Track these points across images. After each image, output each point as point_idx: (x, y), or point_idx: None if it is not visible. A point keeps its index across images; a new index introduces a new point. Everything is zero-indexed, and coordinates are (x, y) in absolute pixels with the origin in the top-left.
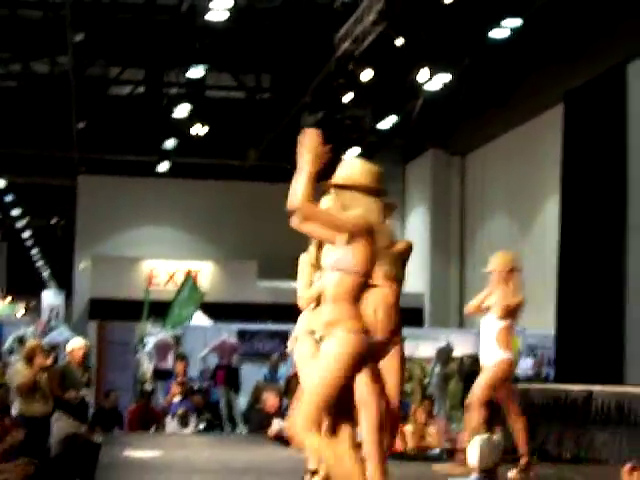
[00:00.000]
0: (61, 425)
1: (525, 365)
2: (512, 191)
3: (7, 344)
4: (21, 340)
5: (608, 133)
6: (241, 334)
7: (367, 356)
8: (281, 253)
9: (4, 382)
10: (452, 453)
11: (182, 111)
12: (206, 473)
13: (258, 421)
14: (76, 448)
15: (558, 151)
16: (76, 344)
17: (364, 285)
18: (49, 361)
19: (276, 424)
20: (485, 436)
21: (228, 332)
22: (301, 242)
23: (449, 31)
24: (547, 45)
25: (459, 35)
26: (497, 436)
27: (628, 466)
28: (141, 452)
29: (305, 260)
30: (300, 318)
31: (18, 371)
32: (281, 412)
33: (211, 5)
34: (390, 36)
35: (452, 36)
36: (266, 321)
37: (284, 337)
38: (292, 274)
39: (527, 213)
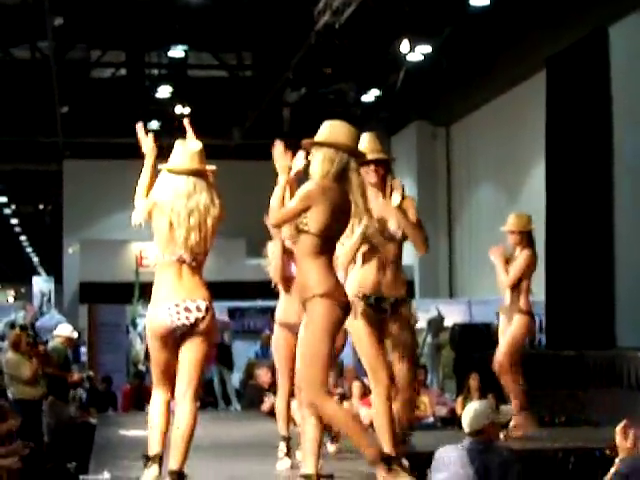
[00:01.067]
0: (56, 410)
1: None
2: (498, 160)
3: None
4: (12, 325)
5: (592, 97)
6: (231, 312)
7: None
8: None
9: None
10: (445, 421)
11: (164, 92)
12: (202, 450)
13: (252, 397)
14: (71, 432)
15: (542, 118)
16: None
17: (328, 245)
18: (41, 348)
19: (269, 399)
20: (479, 400)
21: (218, 310)
22: None
23: (429, 1)
24: (527, 11)
25: (439, 4)
26: (489, 400)
27: (621, 425)
28: (136, 431)
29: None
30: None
31: (19, 362)
32: (274, 388)
33: None
34: (370, 7)
35: (432, 6)
36: (255, 298)
37: (274, 313)
38: None
39: (514, 181)
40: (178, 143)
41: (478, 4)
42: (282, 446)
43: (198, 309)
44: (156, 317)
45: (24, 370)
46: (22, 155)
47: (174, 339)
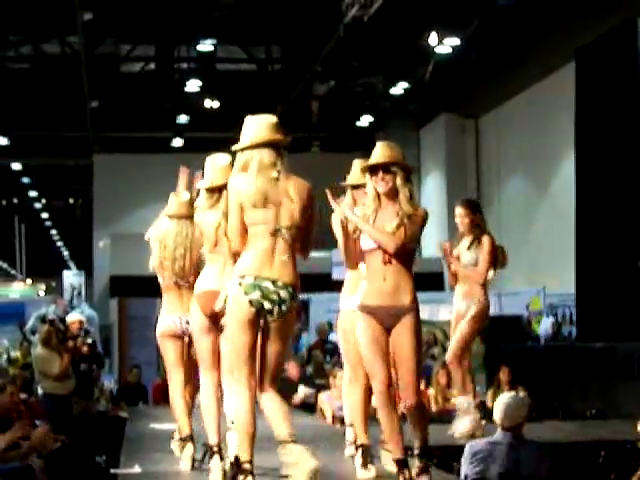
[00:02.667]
0: (80, 407)
1: (547, 324)
2: (527, 152)
3: (30, 323)
4: (43, 319)
5: (621, 88)
6: None
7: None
8: None
9: (29, 362)
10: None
11: (194, 86)
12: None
13: (282, 390)
14: (101, 425)
15: (572, 109)
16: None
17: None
18: (71, 343)
19: (300, 391)
20: (510, 393)
21: None
22: (321, 212)
23: None
24: (556, 2)
25: None
26: (522, 393)
27: None
28: (167, 425)
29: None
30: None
31: (49, 358)
32: (304, 381)
33: None
34: (398, 0)
35: None
36: None
37: (304, 307)
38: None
39: (543, 173)
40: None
41: None
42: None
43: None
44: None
45: (53, 366)
46: (52, 150)
47: None
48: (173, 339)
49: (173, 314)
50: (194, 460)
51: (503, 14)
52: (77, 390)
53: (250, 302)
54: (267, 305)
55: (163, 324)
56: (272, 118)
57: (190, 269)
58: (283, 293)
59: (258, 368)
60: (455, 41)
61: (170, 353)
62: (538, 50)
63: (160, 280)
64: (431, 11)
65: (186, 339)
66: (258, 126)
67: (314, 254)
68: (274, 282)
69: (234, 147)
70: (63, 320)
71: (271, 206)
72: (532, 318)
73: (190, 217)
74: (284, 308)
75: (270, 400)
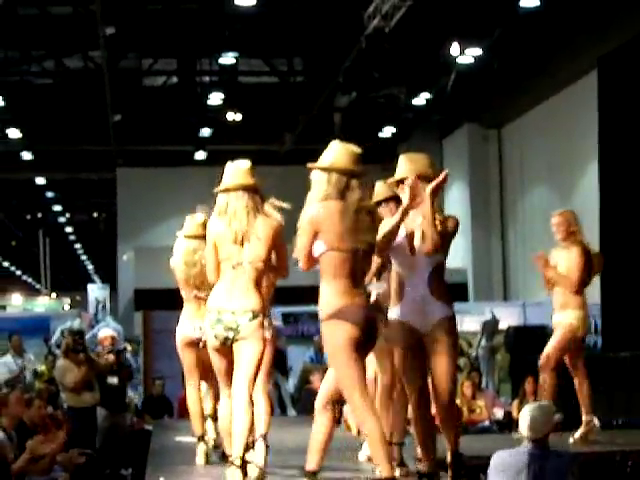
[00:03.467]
0: (104, 418)
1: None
2: (551, 161)
3: (55, 337)
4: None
5: None
6: (285, 317)
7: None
8: None
9: (54, 376)
10: (501, 425)
11: (216, 99)
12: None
13: (307, 403)
14: (126, 438)
15: (595, 118)
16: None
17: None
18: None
19: None
20: (536, 404)
21: (272, 316)
22: None
23: (478, 2)
24: (578, 11)
25: (489, 6)
26: (548, 404)
27: None
28: (192, 438)
29: None
30: None
31: (66, 369)
32: None
33: None
34: (419, 11)
35: (482, 7)
36: (309, 303)
37: None
38: None
39: (567, 182)
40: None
41: (528, 5)
42: None
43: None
44: None
45: (70, 377)
46: (76, 164)
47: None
48: (190, 346)
49: (190, 320)
50: (207, 455)
51: (525, 23)
52: (105, 403)
53: (215, 336)
54: (230, 334)
55: (181, 331)
56: (246, 164)
57: (207, 284)
58: (241, 319)
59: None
60: (477, 51)
61: (187, 359)
62: (560, 59)
63: (183, 294)
64: (452, 21)
65: (200, 345)
66: (232, 172)
67: None
68: (233, 312)
69: (215, 190)
70: (81, 333)
71: (238, 244)
72: None
73: (204, 236)
74: (243, 332)
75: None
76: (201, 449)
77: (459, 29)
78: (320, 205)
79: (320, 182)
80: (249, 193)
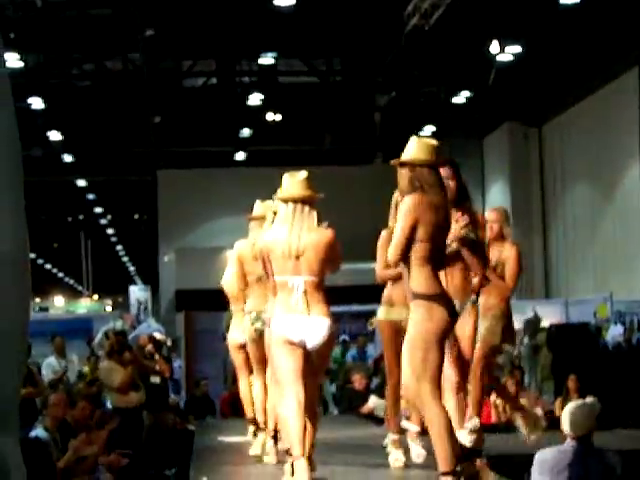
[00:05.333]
0: (146, 418)
1: (615, 332)
2: (592, 158)
3: (97, 338)
4: (107, 334)
5: None
6: None
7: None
8: (361, 235)
9: (97, 377)
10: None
11: (255, 99)
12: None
13: (349, 401)
14: (170, 438)
15: (636, 114)
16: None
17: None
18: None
19: (371, 402)
20: (579, 402)
21: None
22: (380, 223)
23: (518, 0)
24: (618, 8)
25: (529, 4)
26: (592, 402)
27: None
28: (235, 437)
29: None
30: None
31: (111, 369)
32: (371, 391)
33: None
34: (459, 9)
35: (522, 5)
36: (350, 303)
37: (369, 318)
38: (373, 255)
39: (608, 179)
40: None
41: (568, 2)
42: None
43: None
44: None
45: (115, 377)
46: (116, 166)
47: None
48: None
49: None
50: (263, 447)
51: (564, 21)
52: (148, 403)
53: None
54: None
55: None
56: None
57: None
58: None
59: None
60: (517, 48)
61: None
62: (600, 56)
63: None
64: (492, 18)
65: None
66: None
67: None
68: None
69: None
70: (124, 333)
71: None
72: (602, 326)
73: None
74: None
75: None
76: (259, 439)
77: (499, 26)
78: (417, 197)
79: (405, 176)
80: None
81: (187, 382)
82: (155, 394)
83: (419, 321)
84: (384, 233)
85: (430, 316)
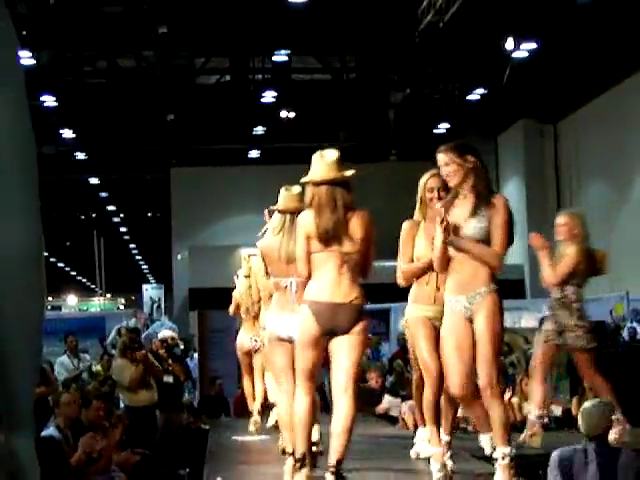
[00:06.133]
0: (159, 417)
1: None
2: (607, 156)
3: (110, 337)
4: (120, 331)
5: None
6: None
7: None
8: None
9: (110, 375)
10: (560, 422)
11: (269, 97)
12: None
13: (363, 399)
14: (183, 438)
15: None
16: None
17: None
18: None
19: (385, 401)
20: (594, 401)
21: None
22: (397, 223)
23: None
24: (633, 4)
25: (545, 0)
26: (606, 400)
27: None
28: (249, 436)
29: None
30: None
31: (123, 367)
32: (386, 391)
33: None
34: (474, 5)
35: (537, 2)
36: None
37: (384, 316)
38: (389, 254)
39: (624, 176)
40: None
41: None
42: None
43: None
44: None
45: (126, 375)
46: (129, 164)
47: None
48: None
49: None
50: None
51: (580, 17)
52: (160, 402)
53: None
54: None
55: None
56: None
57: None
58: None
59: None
60: (532, 45)
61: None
62: (616, 52)
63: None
64: (507, 15)
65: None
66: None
67: (394, 263)
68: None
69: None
70: (137, 331)
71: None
72: (620, 324)
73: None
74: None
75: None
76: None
77: (514, 23)
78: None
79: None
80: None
81: (201, 381)
82: (168, 393)
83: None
84: (406, 225)
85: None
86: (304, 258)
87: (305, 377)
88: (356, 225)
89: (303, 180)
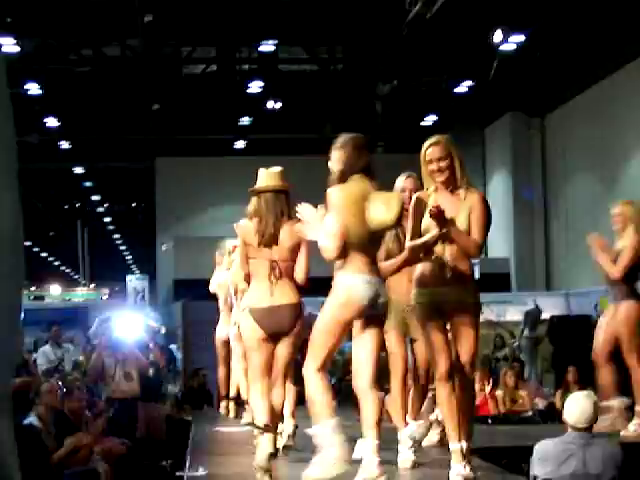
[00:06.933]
0: (146, 409)
1: None
2: (594, 149)
3: (93, 328)
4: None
5: None
6: None
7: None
8: None
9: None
10: (544, 415)
11: (256, 87)
12: (296, 446)
13: (347, 393)
14: (162, 429)
15: (639, 106)
16: None
17: None
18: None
19: None
20: (583, 393)
21: (314, 305)
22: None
23: None
24: None
25: None
26: (592, 393)
27: None
28: (232, 428)
29: None
30: None
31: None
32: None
33: None
34: None
35: None
36: None
37: None
38: None
39: (610, 170)
40: None
41: None
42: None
43: None
44: None
45: (96, 369)
46: (114, 153)
47: None
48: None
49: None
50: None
51: (568, 10)
52: (143, 394)
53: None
54: None
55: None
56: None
57: None
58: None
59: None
60: (520, 38)
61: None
62: (604, 46)
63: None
64: (495, 8)
65: None
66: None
67: None
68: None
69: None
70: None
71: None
72: None
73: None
74: None
75: None
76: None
77: (502, 15)
78: None
79: None
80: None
81: (184, 372)
82: (149, 385)
83: None
84: None
85: None
86: (243, 262)
87: (262, 374)
88: (287, 234)
89: (250, 190)
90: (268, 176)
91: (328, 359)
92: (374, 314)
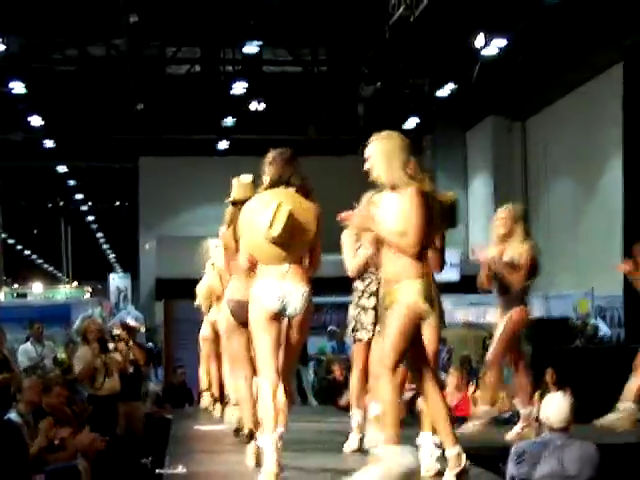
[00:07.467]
0: (126, 407)
1: (604, 328)
2: (575, 153)
3: (76, 325)
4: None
5: None
6: None
7: None
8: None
9: (72, 364)
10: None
11: (239, 88)
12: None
13: (328, 392)
14: (146, 427)
15: (620, 109)
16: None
17: None
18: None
19: (347, 395)
20: (560, 393)
21: None
22: None
23: None
24: (604, 2)
25: None
26: (568, 394)
27: None
28: (212, 426)
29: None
30: None
31: (82, 356)
32: (348, 383)
33: None
34: (444, 0)
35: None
36: (331, 294)
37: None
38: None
39: (591, 174)
40: None
41: None
42: None
43: None
44: None
45: (81, 363)
46: (98, 152)
47: None
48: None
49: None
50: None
51: (550, 14)
52: (123, 392)
53: None
54: None
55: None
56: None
57: None
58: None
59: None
60: (502, 42)
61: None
62: (586, 50)
63: None
64: (478, 12)
65: None
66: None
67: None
68: None
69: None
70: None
71: None
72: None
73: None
74: None
75: None
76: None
77: (485, 19)
78: None
79: None
80: None
81: (166, 370)
82: (128, 383)
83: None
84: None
85: None
86: (227, 267)
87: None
88: None
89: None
90: (240, 187)
91: None
92: None
